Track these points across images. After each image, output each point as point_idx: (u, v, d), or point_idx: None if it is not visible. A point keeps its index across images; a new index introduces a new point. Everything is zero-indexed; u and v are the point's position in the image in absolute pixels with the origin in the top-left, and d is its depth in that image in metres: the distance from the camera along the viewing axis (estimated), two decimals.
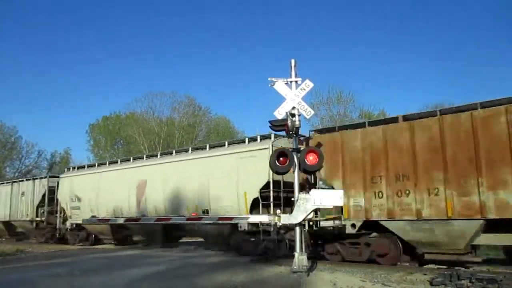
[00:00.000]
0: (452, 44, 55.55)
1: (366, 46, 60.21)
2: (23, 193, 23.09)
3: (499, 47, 50.37)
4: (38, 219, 21.84)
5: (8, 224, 24.36)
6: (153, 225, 15.22)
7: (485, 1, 55.74)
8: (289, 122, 8.54)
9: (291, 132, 8.79)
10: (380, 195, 10.35)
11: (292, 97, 8.71)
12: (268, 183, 12.45)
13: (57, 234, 20.95)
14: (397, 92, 56.59)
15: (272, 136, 13.00)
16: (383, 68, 57.07)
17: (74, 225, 19.48)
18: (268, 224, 10.76)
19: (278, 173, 9.01)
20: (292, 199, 8.40)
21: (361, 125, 11.39)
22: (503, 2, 51.25)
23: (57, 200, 20.83)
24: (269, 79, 8.82)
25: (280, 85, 8.81)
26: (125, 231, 18.05)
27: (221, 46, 69.35)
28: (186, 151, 16.13)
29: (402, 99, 54.52)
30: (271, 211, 12.12)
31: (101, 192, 17.98)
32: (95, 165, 20.14)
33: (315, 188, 10.40)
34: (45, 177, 22.54)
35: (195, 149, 16.15)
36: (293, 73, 8.92)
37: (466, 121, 9.54)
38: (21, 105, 68.79)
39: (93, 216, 17.41)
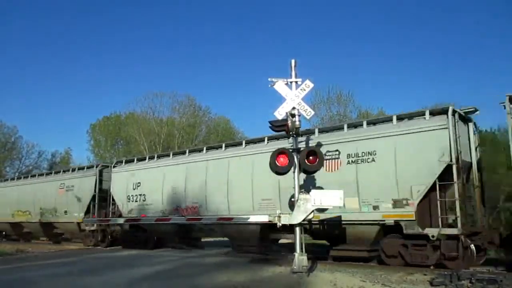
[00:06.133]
0: (452, 43, 55.59)
1: (365, 44, 60.19)
2: None
3: (498, 46, 50.40)
4: None
5: None
6: None
7: (485, 1, 55.81)
8: (289, 123, 8.55)
9: (291, 132, 8.80)
10: None
11: (292, 97, 8.71)
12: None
13: None
14: (397, 91, 56.54)
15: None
16: (382, 66, 57.00)
17: None
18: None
19: (278, 173, 8.98)
20: None
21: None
22: (503, 2, 51.29)
23: None
24: (269, 79, 8.83)
25: (280, 86, 8.82)
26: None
27: (221, 46, 69.37)
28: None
29: (401, 98, 54.45)
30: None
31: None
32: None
33: None
34: None
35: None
36: (293, 73, 8.93)
37: None
38: (21, 105, 68.78)
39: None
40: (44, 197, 20.74)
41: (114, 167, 17.99)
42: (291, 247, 9.28)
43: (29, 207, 21.59)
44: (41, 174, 23.70)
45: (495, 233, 10.24)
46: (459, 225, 9.44)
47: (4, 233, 24.72)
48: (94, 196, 18.13)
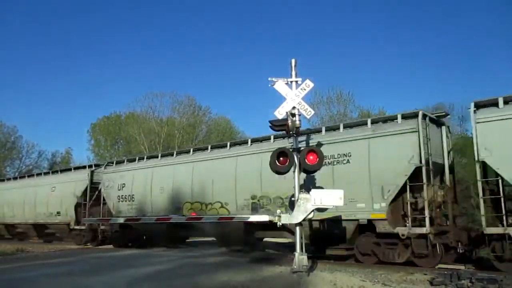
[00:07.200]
0: (453, 42, 55.56)
1: (366, 44, 60.20)
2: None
3: (498, 46, 50.38)
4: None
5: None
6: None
7: (485, 1, 55.78)
8: (289, 122, 8.54)
9: (291, 132, 8.80)
10: None
11: (293, 97, 8.71)
12: None
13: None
14: (397, 91, 56.58)
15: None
16: (382, 66, 57.03)
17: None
18: None
19: (278, 173, 8.99)
20: None
21: None
22: (503, 2, 51.27)
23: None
24: (269, 79, 8.83)
25: (280, 85, 8.82)
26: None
27: (221, 46, 69.39)
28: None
29: (402, 98, 54.47)
30: None
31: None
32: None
33: None
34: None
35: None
36: (293, 73, 8.92)
37: None
38: (21, 105, 68.81)
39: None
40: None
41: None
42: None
43: (223, 196, 13.54)
44: (243, 142, 14.31)
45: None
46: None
47: (144, 237, 16.53)
48: (417, 169, 10.13)
